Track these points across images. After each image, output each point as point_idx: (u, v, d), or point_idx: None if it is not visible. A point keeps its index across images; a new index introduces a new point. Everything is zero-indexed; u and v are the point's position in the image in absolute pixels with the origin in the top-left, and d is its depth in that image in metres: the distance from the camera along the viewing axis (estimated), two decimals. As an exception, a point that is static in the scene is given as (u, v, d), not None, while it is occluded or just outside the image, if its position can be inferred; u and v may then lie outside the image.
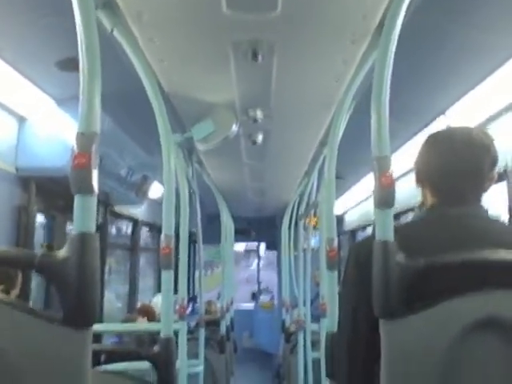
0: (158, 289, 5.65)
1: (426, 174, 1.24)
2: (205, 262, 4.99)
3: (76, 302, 0.99)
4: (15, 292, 2.22)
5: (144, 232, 5.81)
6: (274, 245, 8.21)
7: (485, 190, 1.20)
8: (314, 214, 3.80)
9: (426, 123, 2.87)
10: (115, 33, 1.53)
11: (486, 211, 1.20)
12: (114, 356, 2.82)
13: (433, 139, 1.25)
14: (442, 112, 2.70)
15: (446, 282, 1.04)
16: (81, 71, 1.08)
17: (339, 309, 1.25)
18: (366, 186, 4.66)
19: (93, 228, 1.04)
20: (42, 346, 0.99)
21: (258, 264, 10.89)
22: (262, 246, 9.64)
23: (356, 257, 1.20)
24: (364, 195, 5.13)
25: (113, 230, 5.02)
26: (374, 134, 1.13)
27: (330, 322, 1.86)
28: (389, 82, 1.17)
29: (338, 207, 5.77)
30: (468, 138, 1.19)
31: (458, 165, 1.17)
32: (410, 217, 3.45)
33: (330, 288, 1.95)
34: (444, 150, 1.20)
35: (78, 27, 1.09)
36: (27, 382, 0.98)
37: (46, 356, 0.98)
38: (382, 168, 1.10)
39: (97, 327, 1.53)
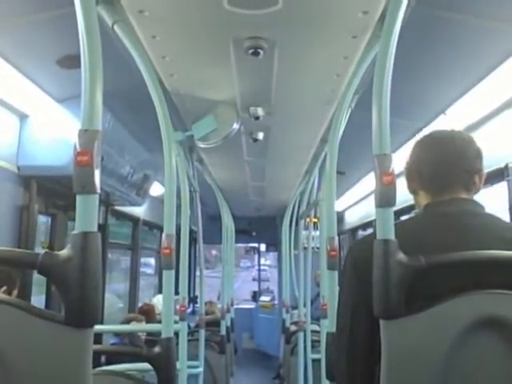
0: (159, 289, 5.65)
1: (417, 175, 1.25)
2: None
3: (78, 302, 0.98)
4: (15, 293, 2.24)
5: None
6: (274, 245, 8.21)
7: (476, 185, 1.21)
8: (315, 214, 3.79)
9: (426, 122, 2.86)
10: (116, 29, 1.52)
11: (482, 207, 1.20)
12: (114, 357, 2.82)
13: (420, 143, 1.29)
14: (443, 110, 2.70)
15: (446, 281, 1.03)
16: (82, 68, 1.07)
17: (337, 312, 1.23)
18: (367, 183, 4.64)
19: (95, 227, 1.03)
20: (43, 345, 0.98)
21: (259, 263, 10.89)
22: (262, 246, 9.64)
23: (354, 260, 1.18)
24: (365, 192, 5.11)
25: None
26: (375, 131, 1.12)
27: (331, 323, 1.85)
28: (390, 78, 1.15)
29: (339, 205, 5.75)
30: (450, 136, 1.25)
31: (444, 156, 1.21)
32: (411, 215, 3.44)
33: (331, 288, 1.94)
34: (431, 150, 1.24)
35: (79, 23, 1.08)
36: (28, 381, 0.97)
37: (47, 355, 0.98)
38: (382, 166, 1.09)
39: (97, 328, 1.52)
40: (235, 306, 6.58)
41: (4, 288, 2.16)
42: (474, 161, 1.21)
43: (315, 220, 3.91)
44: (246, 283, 15.55)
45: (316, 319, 3.78)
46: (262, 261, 11.18)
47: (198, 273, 5.73)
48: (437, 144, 1.25)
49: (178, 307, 2.46)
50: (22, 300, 1.06)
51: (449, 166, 1.21)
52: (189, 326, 3.52)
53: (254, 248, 10.94)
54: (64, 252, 1.00)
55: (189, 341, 2.52)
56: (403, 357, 1.01)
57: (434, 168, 1.22)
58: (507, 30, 1.85)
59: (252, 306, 9.19)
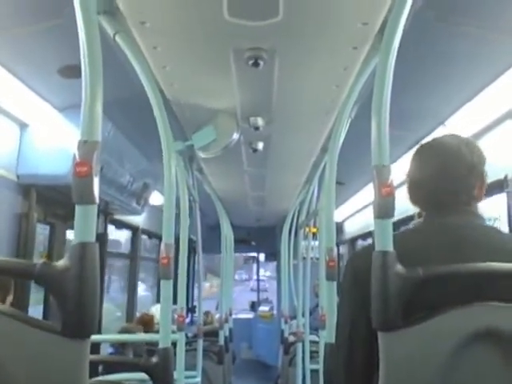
0: (158, 299, 5.62)
1: (417, 187, 1.24)
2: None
3: (75, 313, 0.98)
4: (10, 299, 2.21)
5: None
6: (273, 255, 8.19)
7: (476, 195, 1.19)
8: (314, 224, 3.79)
9: (425, 133, 2.87)
10: (117, 39, 1.53)
11: (482, 219, 1.19)
12: (111, 367, 2.80)
13: (419, 154, 1.27)
14: (442, 122, 2.70)
15: (444, 293, 1.03)
16: (83, 78, 1.07)
17: (337, 323, 1.23)
18: (367, 193, 4.63)
19: (93, 237, 1.03)
20: (40, 356, 0.97)
21: (258, 273, 10.86)
22: (262, 256, 9.61)
23: (355, 271, 1.18)
24: (365, 202, 5.11)
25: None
26: (374, 142, 1.12)
27: (329, 333, 1.84)
28: (389, 90, 1.16)
29: (338, 215, 5.74)
30: (452, 145, 1.21)
31: (444, 166, 1.18)
32: (409, 226, 3.43)
33: (329, 299, 1.93)
34: (430, 161, 1.23)
35: (79, 33, 1.09)
36: None
37: (44, 366, 0.97)
38: (381, 177, 1.09)
39: (95, 337, 1.50)
40: (234, 316, 6.55)
41: None
42: (474, 170, 1.19)
43: (314, 230, 3.90)
44: (244, 293, 15.50)
45: (315, 330, 3.76)
46: (262, 272, 11.13)
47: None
48: (436, 154, 1.22)
49: (176, 317, 2.45)
50: (17, 310, 1.05)
51: (449, 176, 1.19)
52: (187, 336, 3.51)
53: (252, 257, 10.92)
54: (61, 262, 0.99)
55: (187, 351, 2.51)
56: (401, 369, 1.00)
57: (434, 179, 1.20)
58: (507, 42, 1.86)
59: (251, 315, 9.15)
